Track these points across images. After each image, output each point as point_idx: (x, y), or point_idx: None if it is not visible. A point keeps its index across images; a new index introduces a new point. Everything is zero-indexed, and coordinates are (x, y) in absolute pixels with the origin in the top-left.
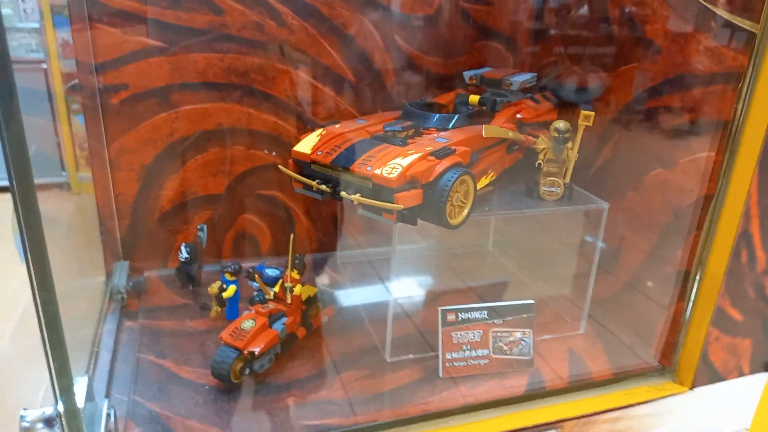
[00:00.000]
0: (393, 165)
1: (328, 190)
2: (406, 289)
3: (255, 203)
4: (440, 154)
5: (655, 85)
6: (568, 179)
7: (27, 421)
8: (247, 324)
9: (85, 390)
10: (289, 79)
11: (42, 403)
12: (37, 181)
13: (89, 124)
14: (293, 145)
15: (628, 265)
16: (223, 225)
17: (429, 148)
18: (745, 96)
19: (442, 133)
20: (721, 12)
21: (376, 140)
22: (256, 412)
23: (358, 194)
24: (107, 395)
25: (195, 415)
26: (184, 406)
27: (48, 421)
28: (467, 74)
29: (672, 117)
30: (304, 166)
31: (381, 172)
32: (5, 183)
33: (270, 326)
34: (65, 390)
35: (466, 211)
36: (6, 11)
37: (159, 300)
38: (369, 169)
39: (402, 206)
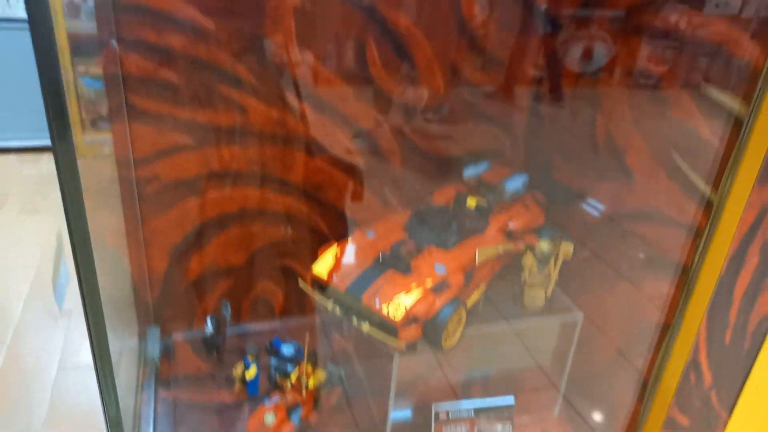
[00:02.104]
0: (398, 304)
1: (339, 313)
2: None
3: (270, 272)
4: (438, 289)
5: (631, 212)
6: (549, 293)
7: None
8: (269, 418)
9: None
10: (304, 167)
11: (57, 366)
12: (41, 142)
13: (127, 210)
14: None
15: (600, 357)
16: (242, 291)
17: (429, 281)
18: (701, 251)
19: (441, 254)
20: (688, 171)
21: (383, 265)
22: None
23: (367, 322)
24: None
25: None
26: None
27: None
28: (467, 173)
29: (642, 245)
30: (321, 284)
31: (388, 312)
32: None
33: (288, 417)
34: None
35: (458, 334)
36: None
37: (188, 368)
38: (378, 304)
39: (404, 344)
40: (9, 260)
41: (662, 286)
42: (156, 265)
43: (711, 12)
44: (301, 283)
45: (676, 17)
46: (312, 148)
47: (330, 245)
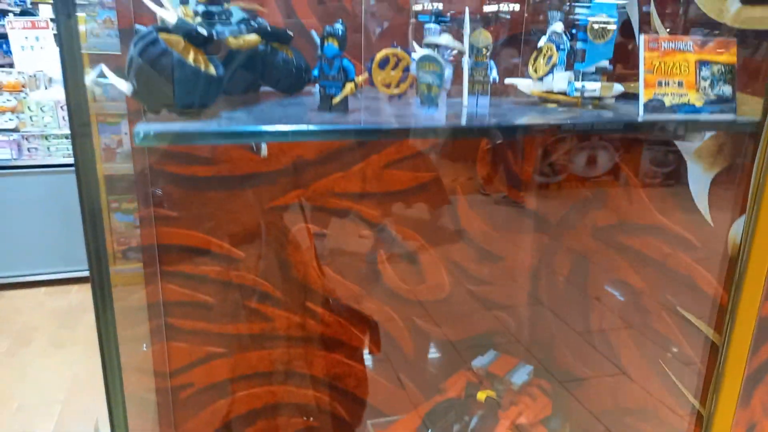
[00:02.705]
0: None
1: None
2: None
3: None
4: None
5: (631, 409)
6: None
7: None
8: None
9: None
10: (325, 361)
11: None
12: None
13: (162, 416)
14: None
15: None
16: None
17: None
18: None
19: None
20: (676, 382)
21: None
22: None
23: None
24: None
25: None
26: None
27: None
28: (475, 364)
29: None
30: None
31: None
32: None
33: None
34: None
35: None
36: (46, 119)
37: None
38: None
39: None
40: (34, 398)
41: None
42: None
43: (676, 244)
44: None
45: (645, 242)
46: (331, 344)
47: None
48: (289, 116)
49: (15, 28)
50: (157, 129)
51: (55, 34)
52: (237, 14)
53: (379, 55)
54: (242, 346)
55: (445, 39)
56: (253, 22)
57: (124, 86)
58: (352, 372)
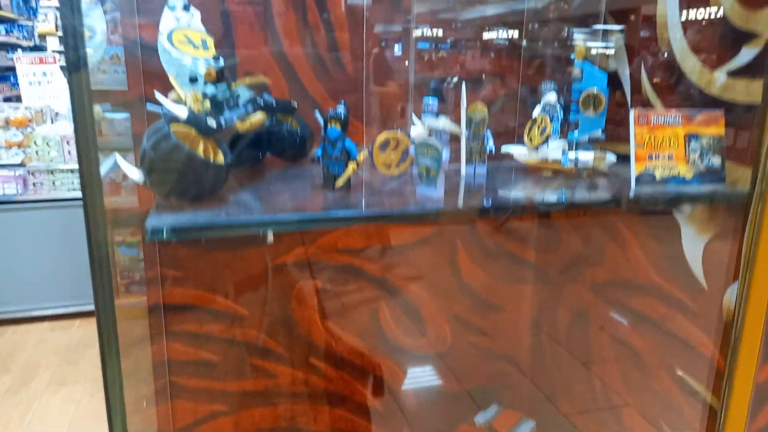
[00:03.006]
0: None
1: None
2: None
3: None
4: None
5: None
6: None
7: None
8: None
9: None
10: (329, 416)
11: None
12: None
13: None
14: None
15: None
16: None
17: None
18: None
19: None
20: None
21: None
22: None
23: None
24: None
25: None
26: None
27: None
28: (478, 420)
29: None
30: None
31: None
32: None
33: None
34: None
35: None
36: (52, 154)
37: None
38: None
39: None
40: None
41: None
42: None
43: (674, 306)
44: None
45: (642, 301)
46: (334, 399)
47: None
48: (295, 195)
49: (23, 63)
50: (167, 224)
51: (62, 67)
52: (244, 95)
53: (379, 139)
54: (245, 403)
55: (443, 123)
56: (259, 100)
57: (137, 175)
58: (356, 428)
